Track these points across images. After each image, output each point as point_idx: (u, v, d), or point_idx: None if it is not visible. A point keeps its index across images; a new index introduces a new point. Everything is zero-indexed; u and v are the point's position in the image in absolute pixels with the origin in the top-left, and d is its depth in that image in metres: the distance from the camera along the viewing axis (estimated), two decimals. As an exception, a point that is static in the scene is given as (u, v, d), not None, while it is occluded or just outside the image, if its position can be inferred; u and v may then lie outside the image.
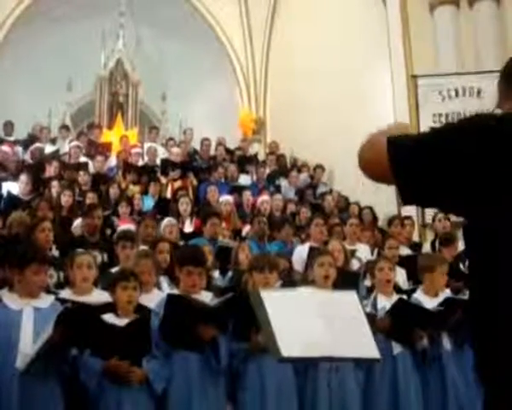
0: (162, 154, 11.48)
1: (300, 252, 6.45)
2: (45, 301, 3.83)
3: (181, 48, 15.33)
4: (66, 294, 4.28)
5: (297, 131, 12.75)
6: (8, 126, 11.78)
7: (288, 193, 10.55)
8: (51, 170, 9.53)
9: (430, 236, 8.79)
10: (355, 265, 6.29)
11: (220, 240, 6.94)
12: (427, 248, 7.73)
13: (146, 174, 10.04)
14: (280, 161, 12.05)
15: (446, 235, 6.75)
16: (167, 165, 10.43)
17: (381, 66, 10.85)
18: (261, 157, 12.93)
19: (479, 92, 9.79)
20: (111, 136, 13.12)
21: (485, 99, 9.46)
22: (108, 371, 3.63)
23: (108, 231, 7.34)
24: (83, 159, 10.45)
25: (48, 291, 4.17)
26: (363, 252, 6.87)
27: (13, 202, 7.63)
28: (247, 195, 9.45)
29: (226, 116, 14.80)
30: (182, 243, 6.80)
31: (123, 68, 15.59)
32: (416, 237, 8.79)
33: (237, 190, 9.79)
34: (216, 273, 5.77)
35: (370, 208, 8.92)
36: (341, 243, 6.18)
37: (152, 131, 12.81)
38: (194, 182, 10.49)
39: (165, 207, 8.74)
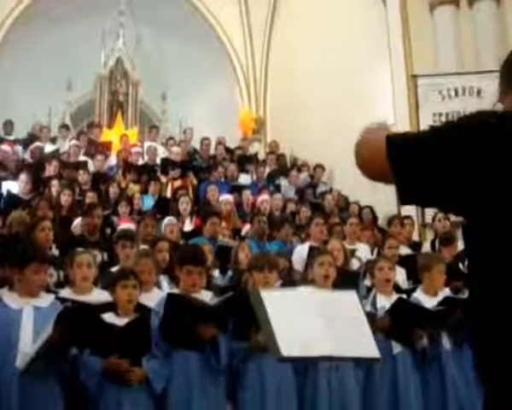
0: (162, 153, 11.49)
1: (300, 251, 6.45)
2: (45, 300, 3.83)
3: (181, 47, 15.33)
4: (66, 293, 4.28)
5: (297, 131, 12.75)
6: (8, 126, 11.78)
7: (288, 192, 10.55)
8: (51, 169, 9.53)
9: (430, 235, 8.79)
10: (355, 264, 6.29)
11: (220, 239, 6.94)
12: (426, 247, 7.73)
13: (146, 173, 10.04)
14: (280, 160, 12.05)
15: (446, 235, 6.75)
16: (167, 164, 10.43)
17: (381, 65, 10.85)
18: (261, 157, 12.93)
19: (479, 92, 9.80)
20: (111, 135, 13.12)
21: (485, 99, 9.47)
22: (108, 370, 3.63)
23: (108, 231, 7.34)
24: (82, 158, 10.46)
25: (48, 290, 4.17)
26: (363, 251, 6.88)
27: (13, 201, 7.63)
28: (247, 194, 9.45)
29: (226, 116, 14.80)
30: (182, 242, 6.80)
31: (123, 67, 15.58)
32: (415, 237, 8.79)
33: (237, 189, 9.79)
34: (216, 273, 5.77)
35: (370, 208, 8.92)
36: (341, 243, 6.19)
37: (152, 130, 12.81)
38: (194, 181, 10.49)
39: (164, 206, 8.74)
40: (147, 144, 11.60)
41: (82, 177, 9.26)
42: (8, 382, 3.48)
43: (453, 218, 7.15)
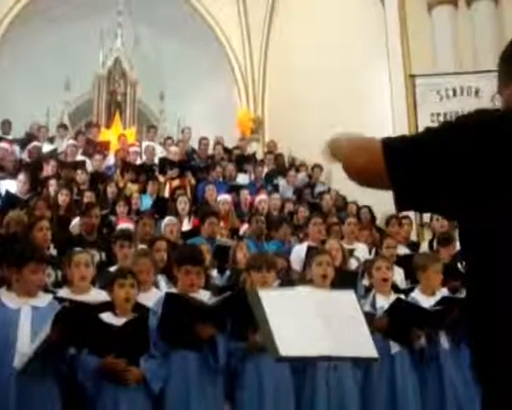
0: (160, 153, 11.47)
1: (298, 251, 6.46)
2: (43, 300, 3.82)
3: (179, 47, 15.32)
4: (64, 293, 4.28)
5: (295, 131, 12.75)
6: (6, 125, 11.76)
7: (286, 192, 10.55)
8: (49, 169, 9.52)
9: (428, 235, 8.81)
10: (353, 264, 6.30)
11: (218, 239, 6.94)
12: (424, 247, 7.74)
13: (144, 173, 10.03)
14: (278, 160, 12.05)
15: (444, 234, 6.76)
16: (165, 164, 10.43)
17: (379, 65, 10.86)
18: (259, 156, 12.93)
19: (477, 92, 9.81)
20: (109, 135, 13.11)
21: (483, 98, 9.49)
22: (105, 369, 3.63)
23: (107, 230, 7.34)
24: (80, 157, 10.45)
25: (46, 290, 4.16)
26: (361, 251, 6.88)
27: (11, 200, 7.62)
28: (245, 194, 9.44)
29: (224, 115, 14.79)
30: (180, 241, 6.80)
31: (121, 67, 15.57)
32: (413, 237, 8.80)
33: (235, 189, 9.79)
34: (214, 272, 5.77)
35: (368, 208, 8.93)
36: (339, 243, 6.19)
37: (150, 130, 12.80)
38: (192, 181, 10.48)
39: (163, 206, 8.73)
40: (145, 144, 11.59)
41: (80, 176, 9.26)
42: (6, 382, 3.48)
43: (451, 218, 7.15)
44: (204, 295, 4.10)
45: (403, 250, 6.99)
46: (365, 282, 5.37)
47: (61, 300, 3.88)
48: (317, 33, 12.56)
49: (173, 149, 11.22)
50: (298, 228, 8.12)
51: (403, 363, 4.43)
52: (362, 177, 1.54)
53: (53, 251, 5.85)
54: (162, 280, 5.06)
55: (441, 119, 9.81)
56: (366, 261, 5.80)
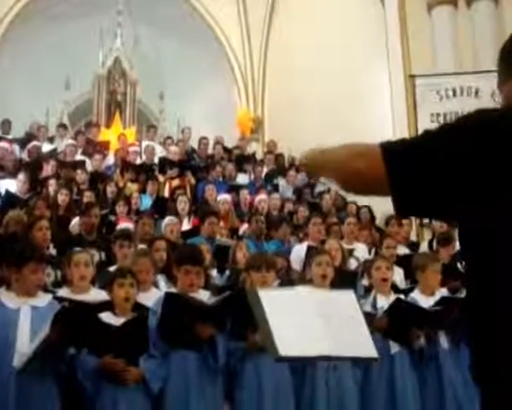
0: (160, 152, 11.47)
1: (298, 251, 6.46)
2: (43, 299, 3.82)
3: (179, 47, 15.32)
4: (63, 292, 4.28)
5: (295, 131, 12.74)
6: (6, 125, 11.75)
7: (286, 192, 10.55)
8: (48, 169, 9.52)
9: (427, 235, 8.81)
10: (353, 264, 6.30)
11: (218, 239, 6.94)
12: (424, 247, 7.74)
13: (144, 173, 10.03)
14: (278, 160, 12.04)
15: (444, 234, 6.76)
16: (165, 163, 10.43)
17: (379, 65, 10.87)
18: (259, 156, 12.93)
19: (476, 92, 9.82)
20: (109, 134, 13.11)
21: (483, 99, 9.49)
22: (103, 369, 3.63)
23: (106, 230, 7.34)
24: (80, 157, 10.45)
25: (45, 290, 4.16)
26: (361, 251, 6.88)
27: (11, 200, 7.61)
28: (245, 194, 9.44)
29: (224, 115, 14.79)
30: (180, 241, 6.80)
31: (121, 67, 15.56)
32: (413, 237, 8.80)
33: (235, 188, 9.78)
34: (214, 272, 5.77)
35: (368, 208, 8.92)
36: (339, 243, 6.19)
37: (150, 129, 12.80)
38: (192, 181, 10.48)
39: (162, 205, 8.73)
40: (144, 144, 11.59)
41: (80, 176, 9.26)
42: (6, 381, 3.48)
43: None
44: (204, 295, 4.11)
45: (402, 250, 6.98)
46: (365, 282, 5.38)
47: (60, 299, 3.88)
48: (317, 33, 12.57)
49: (173, 148, 11.22)
50: (297, 228, 8.12)
51: (402, 363, 4.43)
52: (360, 183, 1.50)
53: (52, 251, 5.84)
54: (162, 280, 5.06)
55: (441, 119, 9.82)
56: (366, 261, 5.80)
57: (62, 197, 7.86)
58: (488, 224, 1.33)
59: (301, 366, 4.12)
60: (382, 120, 10.48)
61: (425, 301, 4.68)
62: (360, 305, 2.07)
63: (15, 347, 3.53)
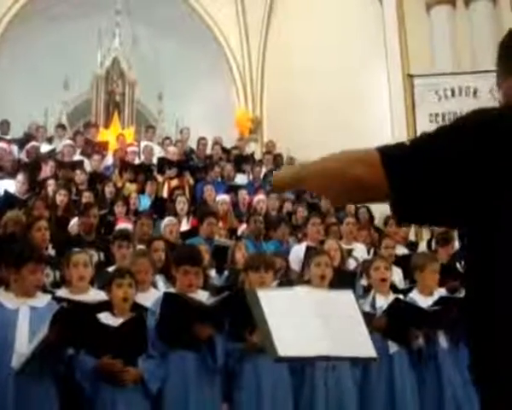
0: (158, 153, 11.47)
1: (297, 251, 6.46)
2: (41, 300, 3.82)
3: (177, 47, 15.31)
4: (62, 293, 4.28)
5: (294, 131, 12.75)
6: (4, 125, 11.74)
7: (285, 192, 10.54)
8: (47, 169, 9.52)
9: (426, 235, 8.80)
10: (351, 264, 6.30)
11: (217, 239, 6.94)
12: (423, 247, 7.74)
13: (142, 173, 10.03)
14: (277, 160, 12.03)
15: (442, 234, 6.75)
16: (164, 163, 10.43)
17: (378, 65, 10.87)
18: (258, 156, 12.92)
19: (475, 92, 9.82)
20: (107, 135, 13.10)
21: (481, 99, 9.49)
22: (101, 370, 3.63)
23: (105, 231, 7.33)
24: (78, 157, 10.45)
25: (44, 290, 4.16)
26: (360, 251, 6.88)
27: (9, 200, 7.61)
28: (244, 194, 9.44)
29: (222, 115, 14.78)
30: (179, 241, 6.80)
31: (119, 67, 15.55)
32: (412, 237, 8.80)
33: (233, 189, 9.78)
34: (212, 272, 5.77)
35: (367, 208, 8.92)
36: (338, 243, 6.19)
37: (148, 130, 12.79)
38: (191, 181, 10.48)
39: (161, 206, 8.73)
40: (143, 144, 11.59)
41: (79, 177, 9.26)
42: (4, 382, 3.48)
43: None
44: (202, 296, 4.11)
45: (401, 250, 6.99)
46: (364, 282, 5.38)
47: (59, 300, 3.88)
48: (315, 33, 12.56)
49: (171, 149, 11.23)
50: (296, 228, 8.12)
51: (401, 363, 4.43)
52: (360, 190, 1.44)
53: (51, 251, 5.84)
54: (160, 280, 5.07)
55: (439, 119, 9.82)
56: (364, 261, 5.81)
57: (61, 198, 7.85)
58: (488, 224, 1.33)
59: (300, 367, 4.12)
60: (381, 120, 10.48)
61: (424, 301, 4.68)
62: (359, 305, 2.07)
63: (14, 347, 3.53)
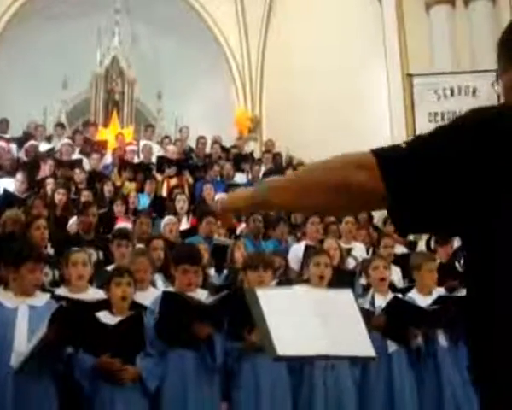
0: (157, 152, 11.47)
1: (296, 250, 6.46)
2: (40, 299, 3.82)
3: (177, 46, 15.31)
4: (61, 292, 4.28)
5: (293, 130, 12.75)
6: (3, 124, 11.73)
7: (284, 191, 10.52)
8: (46, 168, 9.51)
9: (425, 234, 8.80)
10: (351, 263, 6.30)
11: (216, 238, 6.94)
12: (422, 246, 7.74)
13: (141, 172, 10.03)
14: (276, 159, 12.04)
15: (442, 233, 6.75)
16: (163, 162, 10.43)
17: (377, 64, 10.87)
18: (257, 155, 12.93)
19: (474, 91, 9.82)
20: (106, 134, 13.10)
21: (480, 98, 9.49)
22: (100, 369, 3.63)
23: (104, 230, 7.33)
24: (76, 156, 10.44)
25: (43, 289, 4.16)
26: (359, 251, 6.88)
27: (8, 199, 7.60)
28: (243, 193, 9.41)
29: (222, 114, 14.78)
30: (178, 240, 6.80)
31: (119, 66, 15.55)
32: (411, 236, 8.79)
33: (233, 188, 9.77)
34: (212, 271, 5.77)
35: (366, 207, 8.90)
36: (337, 242, 6.19)
37: (148, 129, 12.79)
38: (190, 180, 10.48)
39: (160, 205, 8.73)
40: (142, 143, 11.58)
41: (78, 176, 9.25)
42: (3, 381, 3.48)
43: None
44: (201, 295, 4.11)
45: (400, 249, 6.98)
46: (363, 281, 5.38)
47: (58, 298, 3.88)
48: (315, 32, 12.56)
49: (171, 147, 11.23)
50: (295, 227, 8.11)
51: (400, 362, 4.43)
52: (363, 198, 1.37)
53: (50, 250, 5.84)
54: (159, 279, 5.07)
55: (439, 118, 9.82)
56: (364, 261, 5.80)
57: (60, 197, 7.85)
58: (488, 224, 1.32)
59: (299, 366, 4.12)
60: (380, 120, 10.48)
61: (423, 300, 4.68)
62: (358, 304, 2.07)
63: (13, 346, 3.53)
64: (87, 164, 10.17)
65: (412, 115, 10.09)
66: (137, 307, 4.02)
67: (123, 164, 10.32)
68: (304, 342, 1.79)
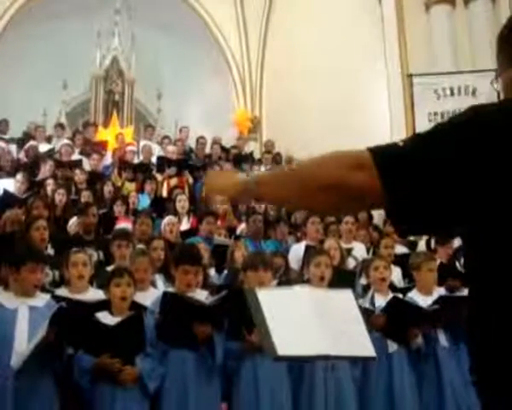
0: (157, 152, 11.46)
1: (297, 250, 6.46)
2: (41, 299, 3.82)
3: (177, 46, 15.30)
4: (61, 292, 4.27)
5: (293, 130, 12.74)
6: (3, 124, 11.73)
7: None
8: (46, 169, 9.50)
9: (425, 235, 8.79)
10: (351, 263, 6.29)
11: (216, 238, 6.94)
12: (422, 246, 7.73)
13: (141, 172, 10.03)
14: (275, 159, 12.04)
15: (442, 233, 6.74)
16: (163, 162, 10.42)
17: (377, 64, 10.86)
18: (257, 156, 12.93)
19: (474, 91, 9.82)
20: (106, 134, 13.09)
21: (480, 98, 9.49)
22: (100, 369, 3.62)
23: (105, 230, 7.32)
24: (76, 157, 10.43)
25: (43, 290, 4.16)
26: (359, 251, 6.87)
27: (8, 200, 7.59)
28: (243, 193, 9.40)
29: (222, 115, 14.78)
30: (179, 240, 6.80)
31: (118, 67, 15.53)
32: (411, 236, 8.78)
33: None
34: (212, 271, 5.77)
35: (366, 207, 8.89)
36: (337, 242, 6.18)
37: (147, 129, 12.79)
38: (190, 180, 10.47)
39: (160, 205, 8.72)
40: (142, 143, 11.58)
41: (78, 176, 9.24)
42: (3, 381, 3.48)
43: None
44: (202, 295, 4.11)
45: (400, 249, 6.97)
46: (363, 281, 5.37)
47: (58, 299, 3.87)
48: (314, 33, 12.55)
49: (170, 148, 11.21)
50: (295, 227, 8.11)
51: (400, 362, 4.43)
52: (362, 197, 1.34)
53: (50, 251, 5.83)
54: (160, 279, 5.06)
55: (438, 118, 9.82)
56: (364, 261, 5.80)
57: (60, 197, 7.84)
58: (488, 223, 1.31)
59: (299, 366, 4.12)
60: (380, 119, 10.47)
61: (423, 300, 4.68)
62: (358, 304, 2.07)
63: (13, 347, 3.53)
64: (87, 164, 10.16)
65: (412, 115, 10.09)
66: (137, 308, 4.01)
67: (123, 164, 10.31)
68: (304, 342, 1.78)
